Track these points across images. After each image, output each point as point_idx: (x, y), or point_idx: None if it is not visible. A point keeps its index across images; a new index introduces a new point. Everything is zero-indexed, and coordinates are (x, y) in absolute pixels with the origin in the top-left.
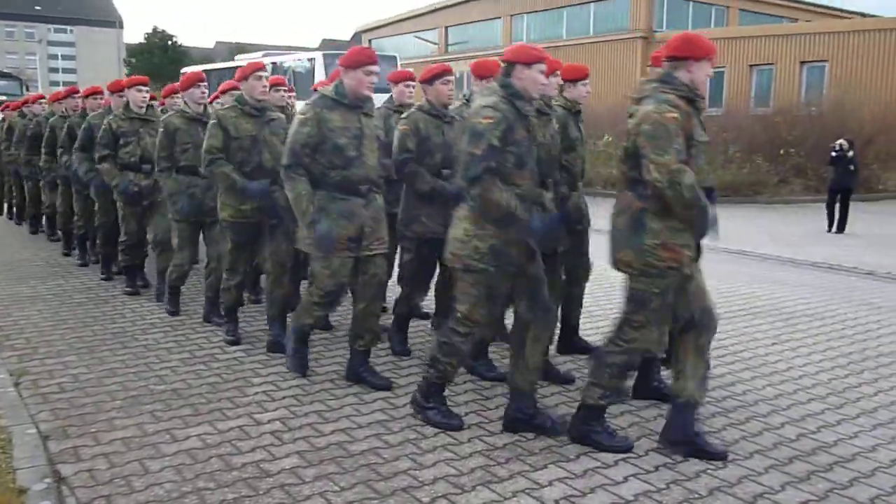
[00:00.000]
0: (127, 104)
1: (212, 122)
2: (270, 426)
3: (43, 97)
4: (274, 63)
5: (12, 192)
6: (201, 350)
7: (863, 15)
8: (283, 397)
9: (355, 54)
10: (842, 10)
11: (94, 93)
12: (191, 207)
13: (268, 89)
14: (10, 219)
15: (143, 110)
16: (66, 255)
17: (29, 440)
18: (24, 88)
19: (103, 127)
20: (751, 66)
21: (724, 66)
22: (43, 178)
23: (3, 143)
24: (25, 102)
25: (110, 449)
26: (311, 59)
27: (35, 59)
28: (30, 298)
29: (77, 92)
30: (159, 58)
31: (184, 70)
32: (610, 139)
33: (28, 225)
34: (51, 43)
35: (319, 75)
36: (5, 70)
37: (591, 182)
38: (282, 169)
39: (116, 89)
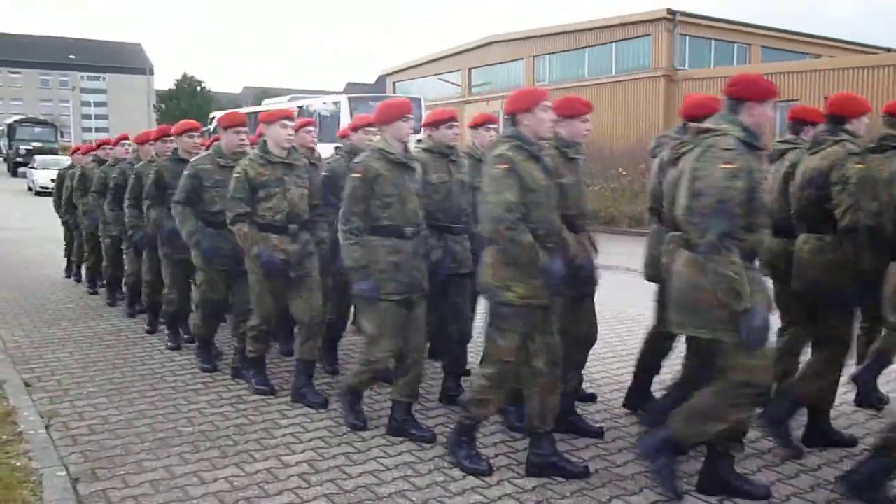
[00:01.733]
0: (265, 144)
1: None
2: (298, 468)
3: (127, 137)
4: (300, 107)
5: (83, 252)
6: (228, 392)
7: (888, 50)
8: (311, 439)
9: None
10: (866, 46)
11: (190, 129)
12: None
13: (294, 136)
14: (78, 281)
15: (286, 153)
16: (150, 332)
17: (59, 482)
18: (59, 135)
19: (236, 175)
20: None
21: None
22: (127, 237)
23: (76, 194)
24: (101, 145)
25: (139, 491)
26: (336, 103)
27: (68, 106)
28: (61, 340)
29: (168, 133)
30: (187, 103)
31: (212, 115)
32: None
33: (106, 294)
34: (84, 90)
35: (345, 118)
36: (41, 117)
37: (616, 220)
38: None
39: (231, 123)
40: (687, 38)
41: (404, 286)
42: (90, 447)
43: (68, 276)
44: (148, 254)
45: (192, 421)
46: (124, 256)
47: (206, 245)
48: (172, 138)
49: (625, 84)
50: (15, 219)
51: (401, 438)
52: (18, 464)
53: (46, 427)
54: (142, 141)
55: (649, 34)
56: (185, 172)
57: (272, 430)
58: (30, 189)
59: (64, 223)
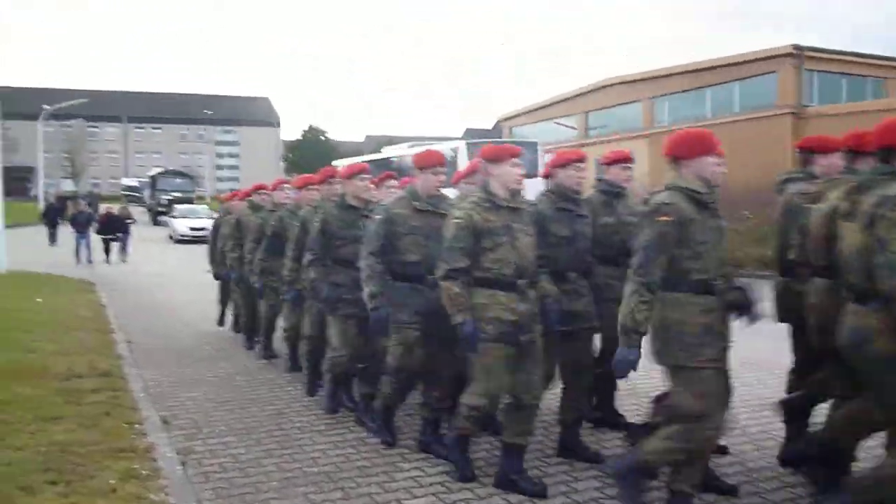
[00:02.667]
0: (487, 186)
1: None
2: None
3: (287, 182)
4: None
5: (239, 308)
6: (350, 433)
7: None
8: (431, 483)
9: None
10: None
11: (361, 171)
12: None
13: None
14: (237, 332)
15: (510, 196)
16: (309, 393)
17: None
18: (197, 185)
19: (457, 222)
20: None
21: None
22: (284, 293)
23: (228, 243)
24: (257, 189)
25: None
26: (454, 149)
27: (203, 158)
28: (195, 381)
29: (334, 175)
30: (313, 152)
31: (335, 163)
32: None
33: (265, 353)
34: (217, 143)
35: (462, 163)
36: (180, 169)
37: (742, 262)
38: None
39: (428, 163)
40: (815, 73)
41: None
42: (221, 484)
43: (221, 325)
44: (307, 306)
45: (316, 461)
46: (263, 303)
47: (384, 313)
48: (339, 181)
49: (749, 123)
50: (156, 263)
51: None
52: (157, 498)
53: (182, 463)
54: (301, 185)
55: (775, 71)
56: (378, 218)
57: (393, 472)
58: (170, 237)
59: (217, 276)
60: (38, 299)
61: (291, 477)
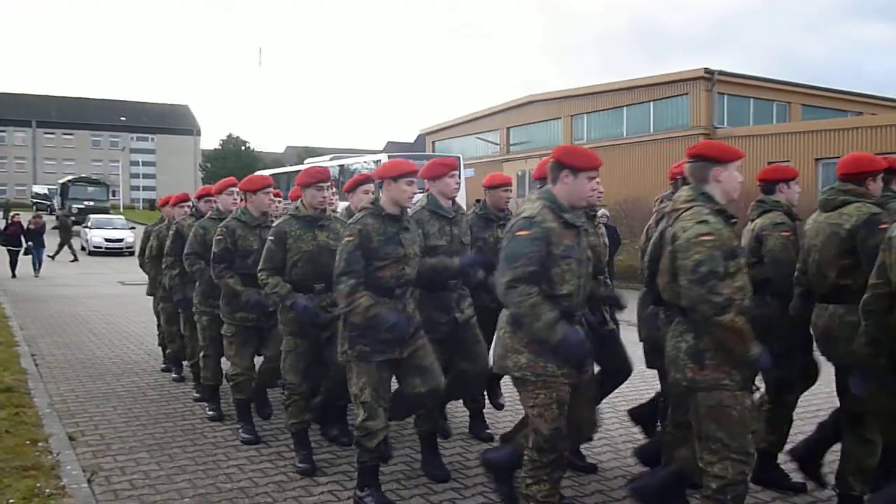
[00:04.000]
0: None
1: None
2: None
3: (235, 184)
4: (341, 166)
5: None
6: (268, 448)
7: None
8: (348, 497)
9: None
10: None
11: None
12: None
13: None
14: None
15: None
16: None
17: None
18: (111, 194)
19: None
20: (816, 159)
21: (788, 161)
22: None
23: (166, 259)
24: (202, 196)
25: None
26: (376, 161)
27: (118, 166)
28: (105, 395)
29: (326, 179)
30: (232, 162)
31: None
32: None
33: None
34: (133, 151)
35: None
36: (93, 177)
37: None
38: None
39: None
40: (725, 96)
41: None
42: (130, 502)
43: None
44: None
45: (231, 477)
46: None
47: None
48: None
49: (663, 142)
50: (66, 275)
51: (442, 487)
52: None
53: (89, 481)
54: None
55: (687, 93)
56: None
57: (310, 487)
58: (83, 248)
59: (152, 294)
60: None
61: (205, 493)
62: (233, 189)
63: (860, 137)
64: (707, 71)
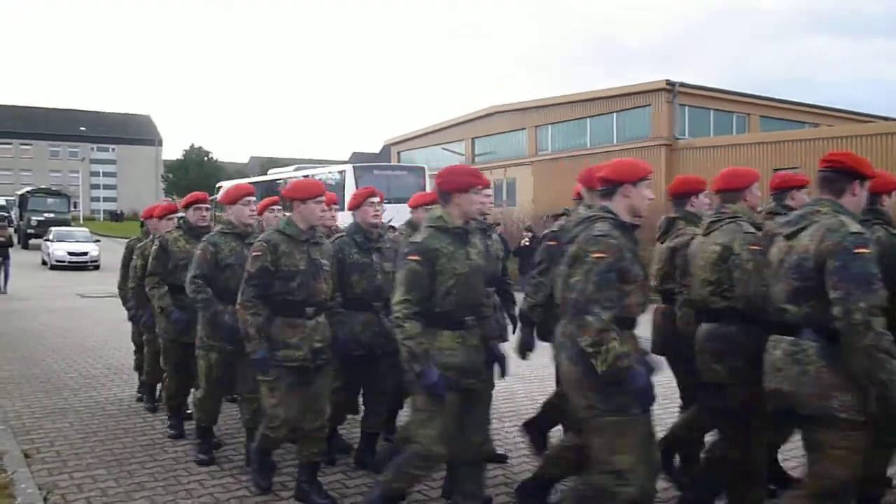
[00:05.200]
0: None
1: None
2: None
3: (250, 192)
4: (305, 176)
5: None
6: (230, 462)
7: (886, 118)
8: None
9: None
10: (864, 115)
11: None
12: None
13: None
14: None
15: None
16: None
17: None
18: (73, 206)
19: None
20: (775, 170)
21: None
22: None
23: (152, 279)
24: (194, 202)
25: None
26: (341, 172)
27: (78, 177)
28: (62, 410)
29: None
30: (195, 173)
31: (219, 184)
32: None
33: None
34: (93, 161)
35: (350, 187)
36: (53, 188)
37: None
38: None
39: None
40: (686, 108)
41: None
42: None
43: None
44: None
45: (191, 493)
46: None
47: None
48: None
49: (626, 153)
50: (24, 289)
51: None
52: None
53: (44, 500)
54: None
55: (649, 104)
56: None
57: (273, 502)
58: (44, 263)
59: (134, 319)
60: None
61: None
62: (249, 199)
63: (817, 148)
64: (668, 82)
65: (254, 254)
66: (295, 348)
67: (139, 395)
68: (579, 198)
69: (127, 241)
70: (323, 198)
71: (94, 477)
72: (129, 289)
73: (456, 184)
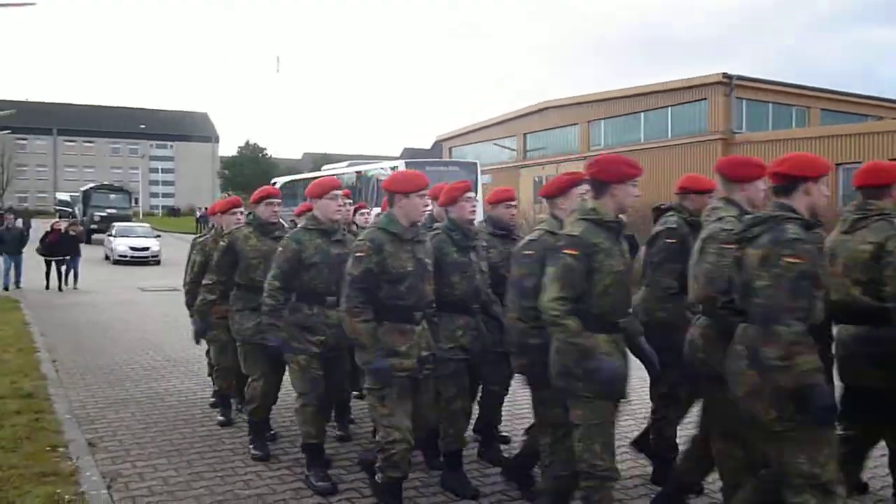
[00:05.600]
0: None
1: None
2: None
3: (336, 185)
4: (358, 172)
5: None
6: (286, 455)
7: None
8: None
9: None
10: None
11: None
12: None
13: (343, 208)
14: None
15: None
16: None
17: None
18: (133, 202)
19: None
20: (837, 164)
21: None
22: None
23: (209, 277)
24: (265, 196)
25: None
26: (393, 168)
27: (137, 173)
28: (124, 401)
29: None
30: (250, 169)
31: (274, 180)
32: None
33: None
34: (152, 158)
35: None
36: (115, 184)
37: None
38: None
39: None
40: (744, 101)
41: None
42: None
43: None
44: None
45: (248, 484)
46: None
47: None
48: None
49: (681, 148)
50: (91, 285)
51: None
52: None
53: (108, 487)
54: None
55: (706, 98)
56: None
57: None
58: (107, 258)
59: (200, 334)
60: None
61: (223, 500)
62: (336, 193)
63: (880, 142)
64: (725, 75)
65: (357, 254)
66: (405, 356)
67: (213, 400)
68: (683, 192)
69: (192, 238)
70: (427, 191)
71: (154, 466)
72: (185, 285)
73: (613, 174)
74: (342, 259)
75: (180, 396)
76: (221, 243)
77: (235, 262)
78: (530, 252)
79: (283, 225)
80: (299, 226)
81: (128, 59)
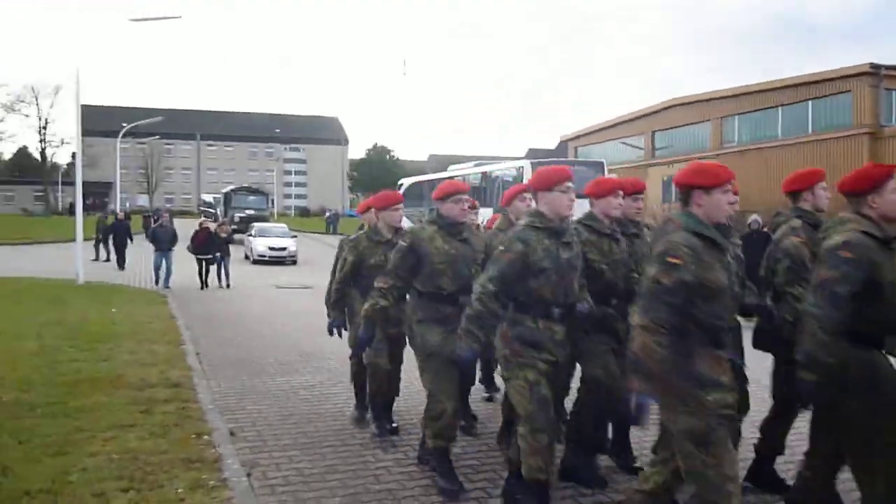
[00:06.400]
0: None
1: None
2: None
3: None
4: (483, 173)
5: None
6: (414, 451)
7: None
8: (496, 499)
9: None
10: None
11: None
12: None
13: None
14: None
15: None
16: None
17: None
18: (270, 203)
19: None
20: None
21: None
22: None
23: (383, 280)
24: (451, 193)
25: None
26: (518, 168)
27: (272, 175)
28: (262, 393)
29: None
30: (378, 170)
31: (401, 181)
32: None
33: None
34: (286, 160)
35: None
36: (253, 185)
37: None
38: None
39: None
40: (894, 92)
41: None
42: (286, 497)
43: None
44: None
45: (379, 479)
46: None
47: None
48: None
49: (823, 143)
50: (233, 281)
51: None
52: None
53: (248, 475)
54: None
55: (850, 90)
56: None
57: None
58: (246, 257)
59: (358, 349)
60: (113, 310)
61: (355, 493)
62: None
63: None
64: (872, 66)
65: (672, 260)
66: (728, 390)
67: (357, 413)
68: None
69: (342, 237)
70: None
71: (290, 457)
72: (333, 284)
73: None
74: (572, 265)
75: (313, 391)
76: (402, 243)
77: (416, 266)
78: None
79: (470, 226)
80: (522, 223)
81: (264, 68)
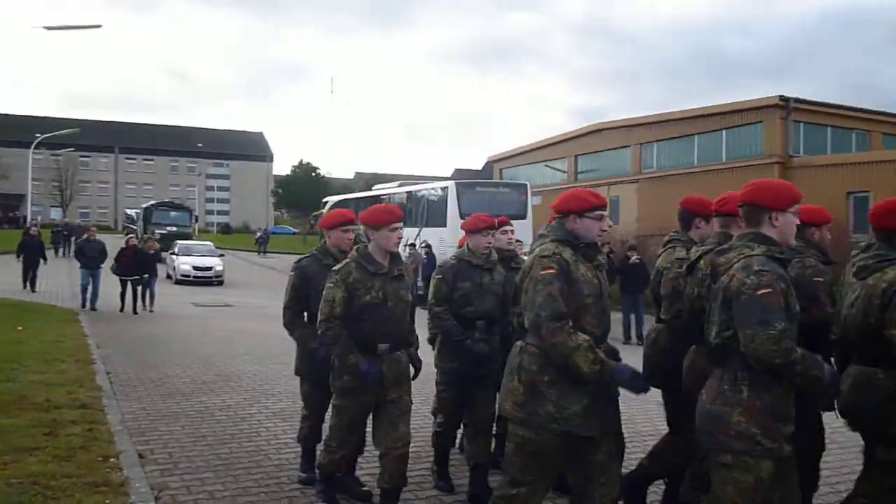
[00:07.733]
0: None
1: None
2: None
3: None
4: (409, 192)
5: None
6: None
7: None
8: None
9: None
10: None
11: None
12: None
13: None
14: None
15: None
16: None
17: None
18: (194, 219)
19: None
20: None
21: (868, 191)
22: None
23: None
24: (482, 228)
25: None
26: (443, 188)
27: (194, 191)
28: (174, 414)
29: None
30: (302, 188)
31: (325, 199)
32: None
33: None
34: (208, 176)
35: (452, 203)
36: (176, 201)
37: None
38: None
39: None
40: (802, 124)
41: None
42: None
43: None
44: None
45: (293, 501)
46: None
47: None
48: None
49: (736, 171)
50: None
51: None
52: None
53: (156, 499)
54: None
55: (761, 121)
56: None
57: None
58: (169, 277)
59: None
60: (19, 328)
61: None
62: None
63: None
64: (782, 98)
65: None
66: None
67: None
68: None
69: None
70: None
71: (202, 480)
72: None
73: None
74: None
75: (228, 411)
76: (437, 276)
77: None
78: None
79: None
80: (548, 245)
81: (186, 80)
